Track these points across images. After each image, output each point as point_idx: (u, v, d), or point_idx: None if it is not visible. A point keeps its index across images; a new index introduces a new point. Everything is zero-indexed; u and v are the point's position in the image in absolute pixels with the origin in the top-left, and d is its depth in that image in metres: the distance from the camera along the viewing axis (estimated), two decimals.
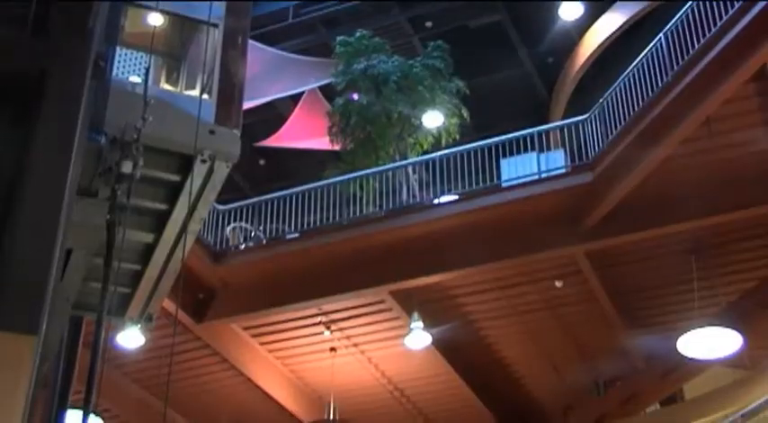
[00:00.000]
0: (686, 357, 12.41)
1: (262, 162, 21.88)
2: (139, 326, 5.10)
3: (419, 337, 13.43)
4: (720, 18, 10.68)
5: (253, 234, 14.50)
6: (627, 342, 14.23)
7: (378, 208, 14.47)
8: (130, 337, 12.17)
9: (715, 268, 12.77)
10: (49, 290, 3.40)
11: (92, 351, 3.83)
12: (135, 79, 4.78)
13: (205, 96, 4.79)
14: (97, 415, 12.34)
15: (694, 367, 13.36)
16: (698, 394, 14.25)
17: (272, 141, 19.91)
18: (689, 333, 11.94)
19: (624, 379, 15.08)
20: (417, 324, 13.26)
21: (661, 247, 12.74)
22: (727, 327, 11.89)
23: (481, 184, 13.41)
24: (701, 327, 11.93)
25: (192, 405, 15.22)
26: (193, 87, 4.97)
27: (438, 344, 13.95)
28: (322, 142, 18.24)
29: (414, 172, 15.47)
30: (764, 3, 10.04)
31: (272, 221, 14.37)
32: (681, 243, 12.56)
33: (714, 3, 10.88)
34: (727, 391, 13.14)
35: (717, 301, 12.85)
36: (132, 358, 13.72)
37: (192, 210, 4.66)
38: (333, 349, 14.40)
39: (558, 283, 13.36)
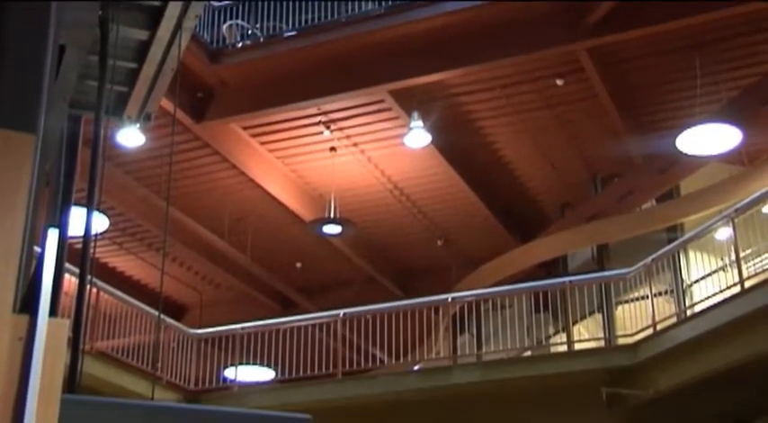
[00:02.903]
0: (684, 154, 12.48)
1: None
2: (138, 125, 5.08)
3: (419, 137, 13.47)
4: None
5: (250, 32, 14.27)
6: (626, 140, 14.29)
7: (377, 4, 14.16)
8: (130, 136, 12.20)
9: (718, 64, 12.64)
10: (44, 87, 3.36)
11: (92, 149, 3.83)
12: None
13: None
14: (101, 212, 12.57)
15: (692, 164, 13.44)
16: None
17: None
18: (688, 130, 11.96)
19: (622, 176, 15.24)
20: (417, 123, 13.26)
21: (664, 43, 12.55)
22: (727, 122, 11.89)
23: None
24: (700, 123, 11.95)
25: (195, 203, 15.50)
26: None
27: (437, 143, 14.02)
28: None
29: None
30: None
31: (269, 19, 14.11)
32: (684, 39, 12.36)
33: None
34: (723, 187, 13.24)
35: (718, 98, 12.80)
36: (134, 157, 13.88)
37: (185, 5, 4.54)
38: (333, 149, 14.49)
39: (558, 81, 13.27)
